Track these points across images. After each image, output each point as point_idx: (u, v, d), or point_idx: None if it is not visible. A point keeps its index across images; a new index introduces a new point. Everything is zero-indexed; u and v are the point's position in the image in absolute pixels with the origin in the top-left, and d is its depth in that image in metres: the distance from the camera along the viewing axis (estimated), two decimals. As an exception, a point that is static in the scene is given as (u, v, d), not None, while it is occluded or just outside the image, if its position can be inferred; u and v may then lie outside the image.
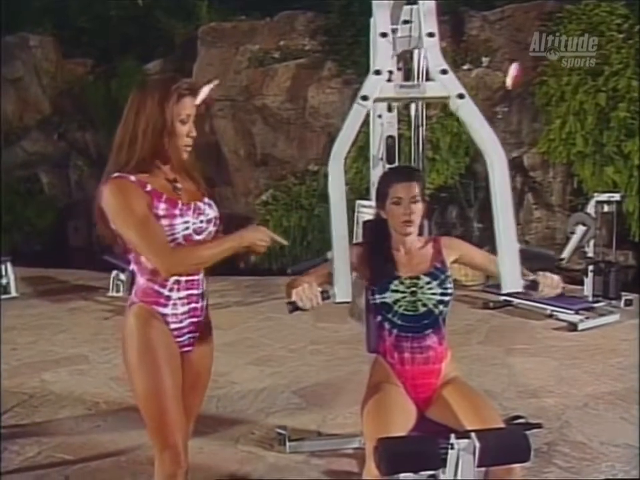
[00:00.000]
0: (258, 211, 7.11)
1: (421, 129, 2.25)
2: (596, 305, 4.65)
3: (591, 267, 4.81)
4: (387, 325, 1.91)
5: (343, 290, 1.53)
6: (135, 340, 1.63)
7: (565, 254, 4.74)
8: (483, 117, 1.58)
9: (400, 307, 1.88)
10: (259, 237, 1.65)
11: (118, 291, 5.71)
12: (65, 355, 4.08)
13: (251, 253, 1.67)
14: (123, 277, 5.60)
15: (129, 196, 1.56)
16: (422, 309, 1.88)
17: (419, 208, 1.90)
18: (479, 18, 7.27)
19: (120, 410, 3.14)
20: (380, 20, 1.77)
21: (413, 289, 1.88)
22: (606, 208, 4.91)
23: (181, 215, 1.60)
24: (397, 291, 1.88)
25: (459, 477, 1.48)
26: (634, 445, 2.62)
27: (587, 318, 4.45)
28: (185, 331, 1.70)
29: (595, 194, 5.06)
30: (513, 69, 6.20)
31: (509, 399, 3.13)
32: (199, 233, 1.65)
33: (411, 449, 1.54)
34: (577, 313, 4.46)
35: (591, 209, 4.85)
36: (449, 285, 1.91)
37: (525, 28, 7.26)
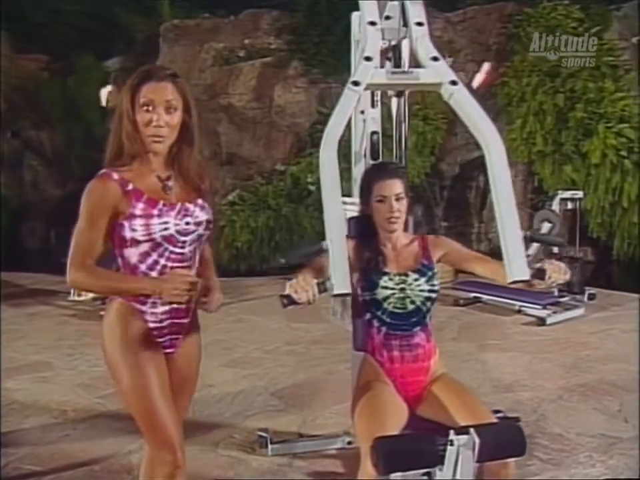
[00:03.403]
0: (224, 212, 6.99)
1: (403, 124, 2.23)
2: (562, 299, 4.77)
3: (555, 263, 4.92)
4: (375, 323, 1.89)
5: (341, 281, 1.44)
6: (115, 336, 1.60)
7: (531, 250, 4.84)
8: (476, 102, 1.56)
9: (389, 304, 1.86)
10: (176, 287, 1.50)
11: (79, 294, 5.46)
12: (27, 362, 3.89)
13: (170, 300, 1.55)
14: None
15: (99, 198, 1.54)
16: (410, 306, 1.87)
17: (403, 205, 1.88)
18: (441, 19, 7.37)
19: (89, 417, 3.02)
20: (367, 9, 1.75)
21: (402, 285, 1.87)
22: (569, 205, 5.05)
23: (159, 216, 1.56)
24: (386, 288, 1.86)
25: (457, 474, 1.47)
26: (608, 435, 2.69)
27: (554, 312, 4.56)
28: (166, 331, 1.65)
29: (559, 191, 5.20)
30: (484, 70, 6.30)
31: (486, 393, 3.16)
32: (183, 235, 1.61)
33: (409, 447, 1.53)
34: (544, 307, 4.56)
35: (555, 206, 4.98)
36: (436, 282, 1.92)
37: (486, 30, 7.43)
